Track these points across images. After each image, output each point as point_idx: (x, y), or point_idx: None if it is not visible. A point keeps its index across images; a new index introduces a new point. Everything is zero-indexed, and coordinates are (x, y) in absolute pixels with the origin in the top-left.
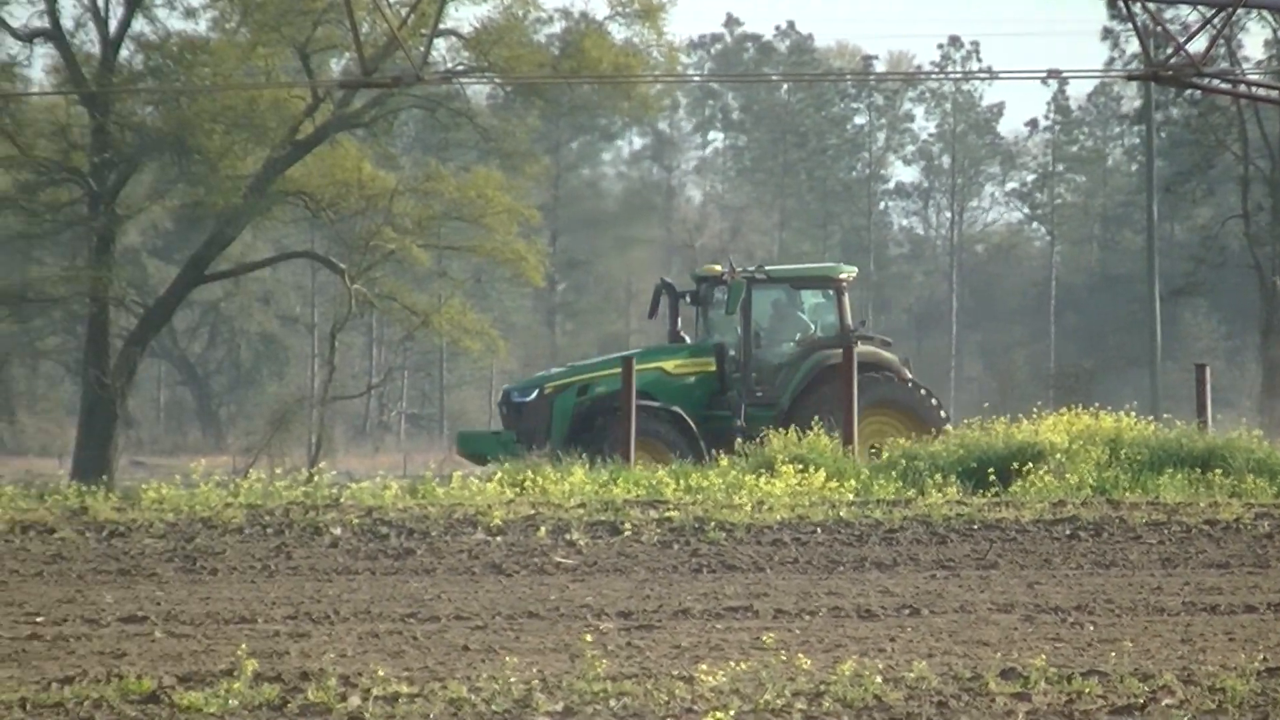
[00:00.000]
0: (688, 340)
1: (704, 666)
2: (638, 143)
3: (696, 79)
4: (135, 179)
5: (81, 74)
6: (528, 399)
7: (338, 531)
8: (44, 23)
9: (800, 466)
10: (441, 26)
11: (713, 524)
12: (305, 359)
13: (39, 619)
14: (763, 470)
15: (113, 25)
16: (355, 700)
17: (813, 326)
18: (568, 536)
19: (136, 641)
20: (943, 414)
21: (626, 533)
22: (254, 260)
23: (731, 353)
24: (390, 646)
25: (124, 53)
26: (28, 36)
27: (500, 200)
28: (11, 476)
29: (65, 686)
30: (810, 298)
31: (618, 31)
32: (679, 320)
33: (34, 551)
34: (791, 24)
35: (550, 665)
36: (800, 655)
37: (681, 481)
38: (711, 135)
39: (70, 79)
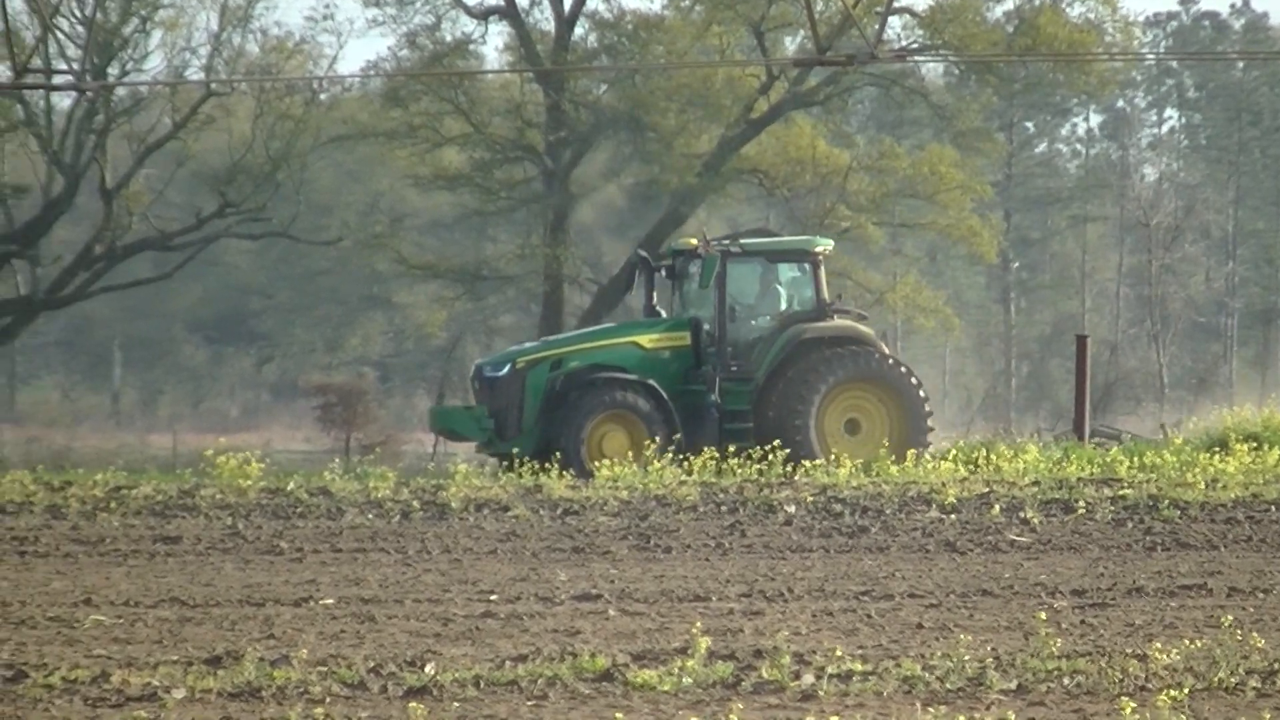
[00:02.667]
0: (664, 315)
1: (1157, 644)
2: (1093, 120)
3: (1150, 57)
4: (589, 157)
5: (536, 52)
6: (500, 374)
7: (791, 509)
8: (499, 1)
9: (1254, 445)
10: (896, 4)
11: (1166, 502)
12: None
13: (493, 597)
14: (1216, 448)
15: (567, 3)
16: (809, 678)
17: (789, 300)
18: (1021, 514)
19: (590, 619)
20: (921, 392)
21: (1080, 511)
22: None
23: (706, 327)
24: (844, 624)
25: (578, 30)
26: (483, 15)
27: (954, 177)
28: (464, 455)
29: (519, 664)
30: (787, 271)
31: (1073, 9)
32: (654, 295)
33: (489, 529)
34: (1246, 1)
35: (1003, 643)
36: (1254, 634)
37: (1135, 460)
38: (1167, 113)
39: (525, 57)
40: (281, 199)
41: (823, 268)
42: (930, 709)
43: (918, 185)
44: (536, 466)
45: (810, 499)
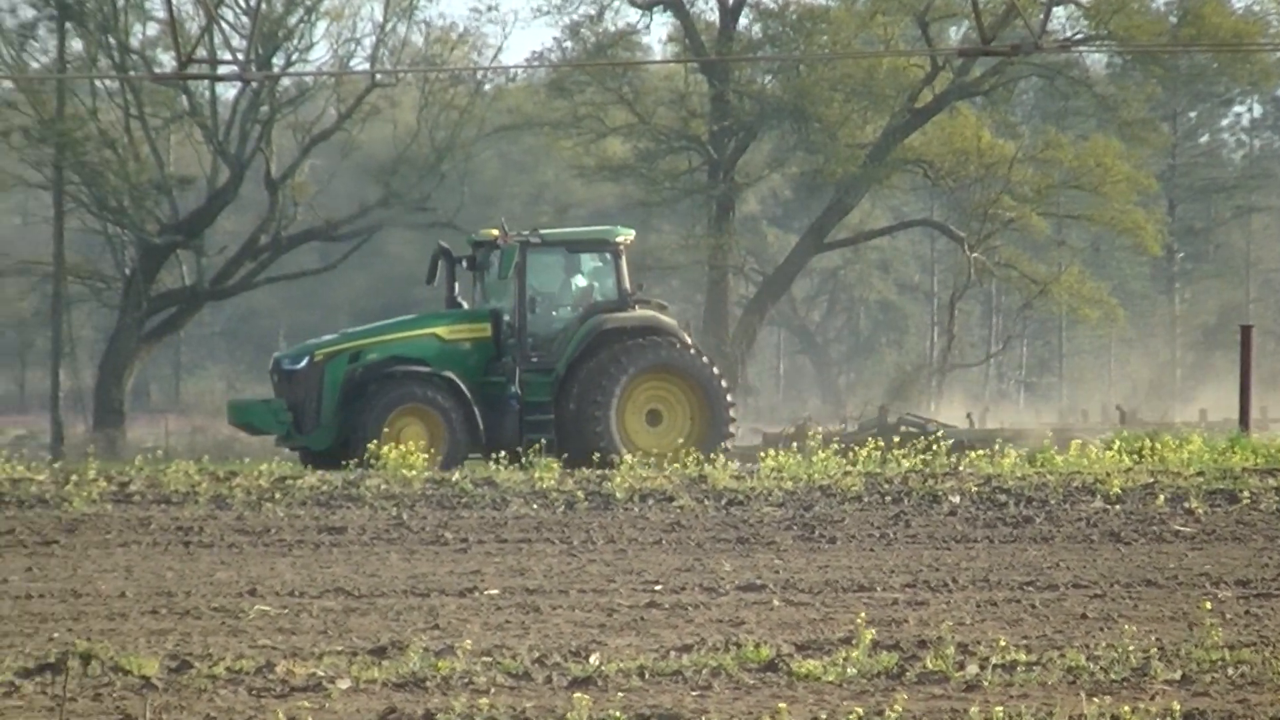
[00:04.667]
0: (465, 306)
1: None
2: (1257, 110)
3: None
4: (754, 147)
5: (700, 42)
6: (298, 366)
7: (956, 499)
8: None
9: None
10: None
11: None
12: (924, 327)
13: (658, 587)
14: None
15: None
16: (973, 668)
17: (591, 290)
18: (1186, 504)
19: (754, 610)
20: (722, 382)
21: (1245, 501)
22: (873, 228)
23: (507, 318)
24: (1008, 614)
25: (742, 20)
26: (647, 5)
27: (1119, 169)
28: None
29: (683, 654)
30: (588, 261)
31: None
32: (456, 286)
33: (653, 520)
34: None
35: (1168, 633)
36: None
37: None
38: None
39: (689, 47)
40: (446, 189)
41: (624, 258)
42: (1095, 699)
43: (1082, 177)
44: (699, 457)
45: (974, 489)
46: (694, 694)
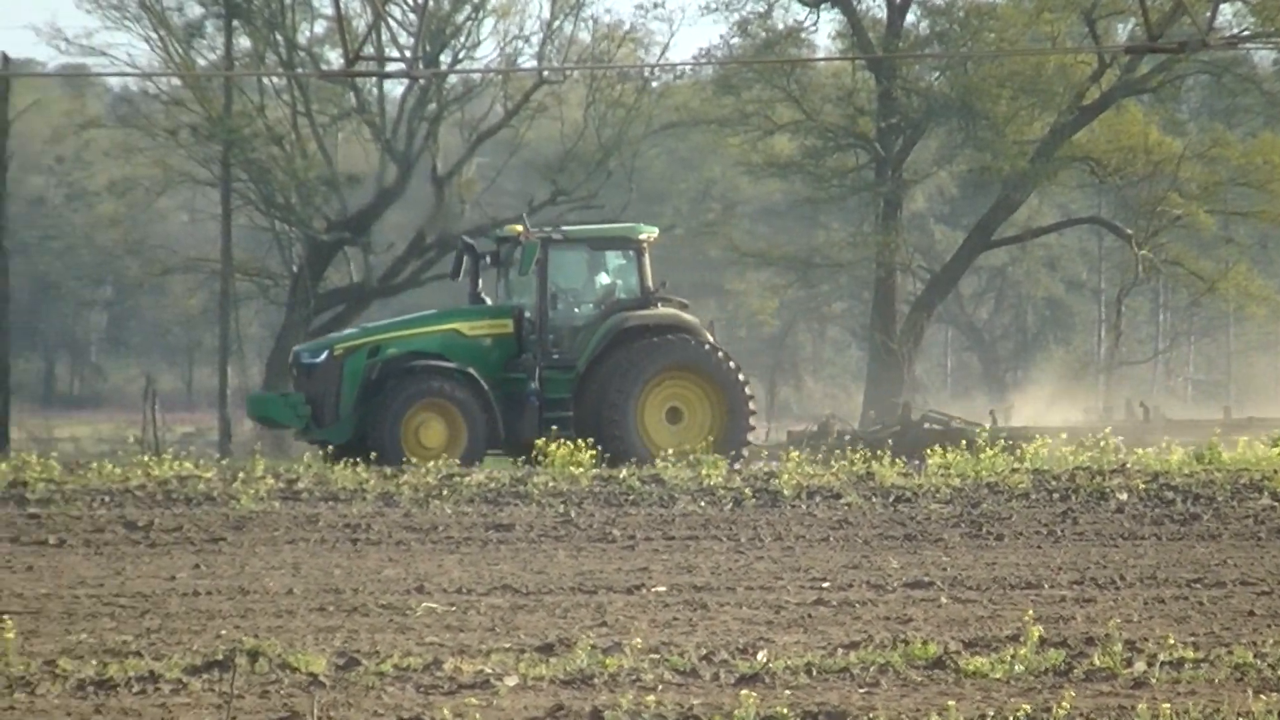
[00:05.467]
0: (488, 302)
1: None
2: None
3: None
4: (921, 144)
5: (868, 39)
6: (318, 361)
7: (1123, 496)
8: None
9: None
10: None
11: None
12: (1091, 324)
13: (825, 584)
14: None
15: None
16: (1140, 666)
17: (613, 288)
18: None
19: (922, 607)
20: (741, 378)
21: None
22: (1040, 225)
23: (528, 315)
24: (1175, 611)
25: (909, 18)
26: (814, 2)
27: None
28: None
29: (851, 651)
30: (611, 259)
31: None
32: (480, 282)
33: (820, 517)
34: None
35: None
36: None
37: None
38: None
39: (856, 44)
40: (613, 186)
41: (647, 254)
42: (1262, 696)
43: (1250, 174)
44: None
45: (1142, 486)
46: (861, 691)
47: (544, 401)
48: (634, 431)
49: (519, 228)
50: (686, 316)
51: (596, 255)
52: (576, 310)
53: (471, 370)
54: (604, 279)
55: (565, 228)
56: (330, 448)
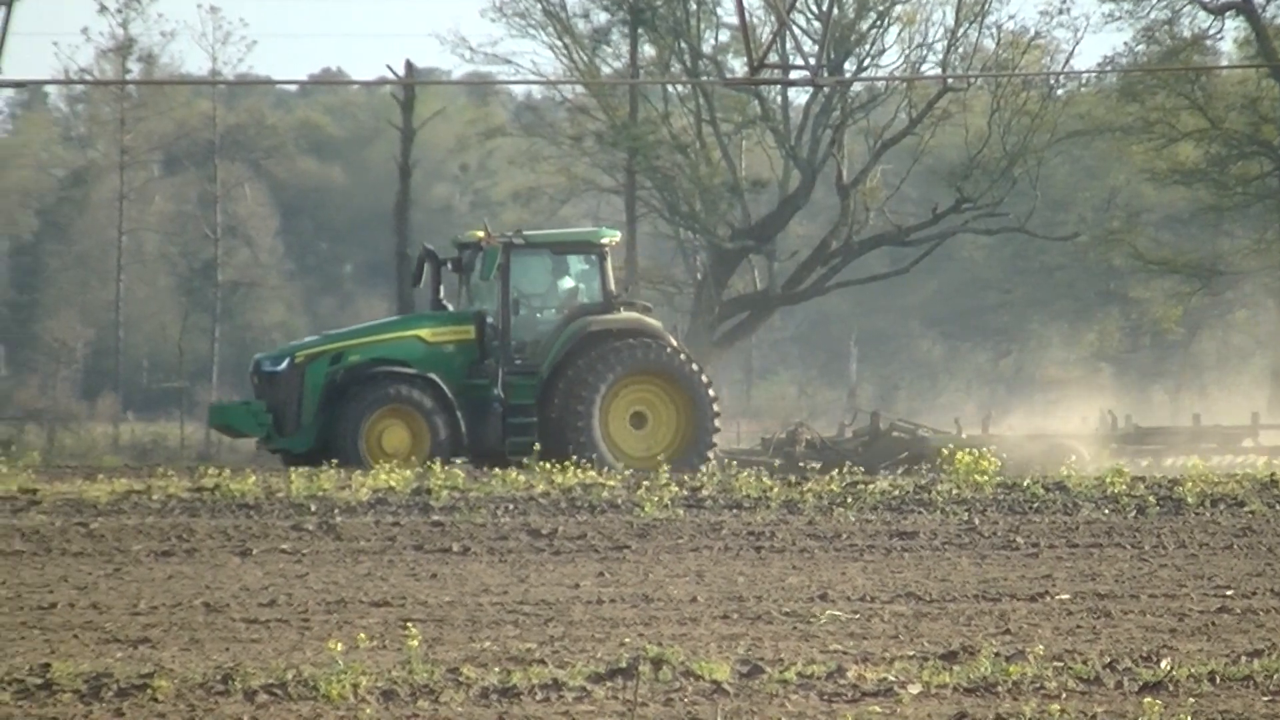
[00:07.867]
0: (450, 309)
1: None
2: None
3: None
4: None
5: (1272, 47)
6: (279, 368)
7: None
8: None
9: None
10: None
11: None
12: None
13: (1228, 592)
14: None
15: None
16: None
17: (576, 292)
18: None
19: None
20: (705, 380)
21: None
22: None
23: (491, 320)
24: None
25: None
26: (1218, 10)
27: None
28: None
29: (1254, 660)
30: (574, 263)
31: None
32: (441, 288)
33: (1224, 525)
34: None
35: None
36: None
37: None
38: None
39: (1260, 51)
40: (1018, 194)
41: (610, 259)
42: None
43: None
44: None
45: None
46: (1265, 700)
47: (508, 408)
48: (598, 437)
49: (480, 233)
50: (650, 321)
51: (559, 260)
52: (539, 316)
53: (434, 376)
54: (567, 284)
55: (527, 232)
56: (289, 456)
